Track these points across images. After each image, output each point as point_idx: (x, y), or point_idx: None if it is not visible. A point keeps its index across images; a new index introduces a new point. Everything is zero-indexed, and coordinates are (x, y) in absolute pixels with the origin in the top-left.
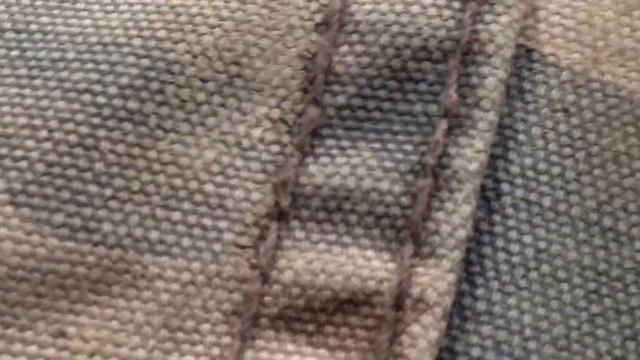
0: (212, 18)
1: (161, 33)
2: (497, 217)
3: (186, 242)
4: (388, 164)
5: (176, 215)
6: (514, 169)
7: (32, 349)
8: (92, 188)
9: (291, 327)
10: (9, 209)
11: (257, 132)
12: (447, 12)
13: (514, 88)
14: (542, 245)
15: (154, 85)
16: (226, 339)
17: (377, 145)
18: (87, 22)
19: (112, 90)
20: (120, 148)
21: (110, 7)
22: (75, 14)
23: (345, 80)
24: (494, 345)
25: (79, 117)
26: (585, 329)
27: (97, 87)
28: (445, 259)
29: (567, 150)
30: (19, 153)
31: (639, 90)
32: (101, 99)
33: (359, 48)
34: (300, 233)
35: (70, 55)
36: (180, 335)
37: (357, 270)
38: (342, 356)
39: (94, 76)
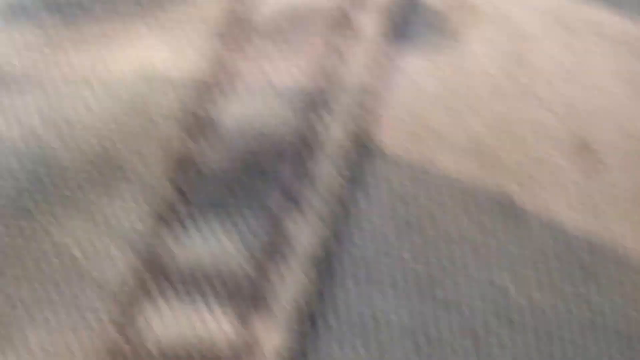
0: (94, 128)
1: (39, 130)
2: (339, 290)
3: (62, 314)
4: (240, 245)
5: (53, 290)
6: (356, 249)
7: None
8: None
9: None
10: None
11: (127, 221)
12: (296, 117)
13: (357, 180)
14: (380, 315)
15: (32, 176)
16: None
17: (232, 229)
18: None
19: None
20: (1, 230)
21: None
22: None
23: (209, 176)
24: None
25: None
26: None
27: None
28: (286, 325)
29: (404, 233)
30: None
31: (465, 178)
32: None
33: (221, 148)
34: (164, 308)
35: None
36: None
37: (210, 336)
38: None
39: None
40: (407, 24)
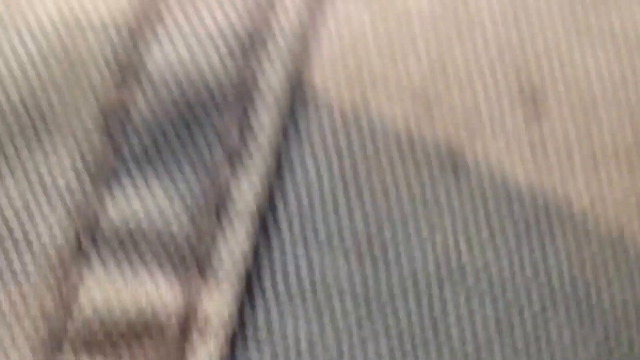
0: (19, 78)
1: None
2: (276, 251)
3: None
4: (177, 203)
5: None
6: (292, 206)
7: None
8: None
9: (90, 351)
10: None
11: (62, 179)
12: (229, 63)
13: (291, 131)
14: (318, 274)
15: None
16: None
17: (169, 185)
18: None
19: None
20: None
21: None
22: None
23: (140, 127)
24: None
25: None
26: (357, 351)
27: None
28: (228, 287)
29: (340, 187)
30: None
31: (401, 124)
32: None
33: (152, 97)
34: (100, 270)
35: None
36: None
37: (149, 300)
38: None
39: None
40: None
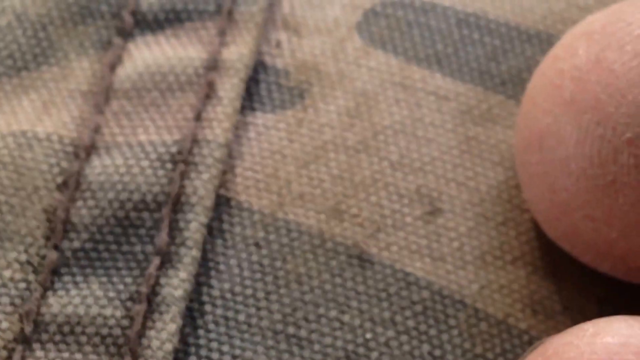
0: None
1: None
2: (201, 332)
3: None
4: (111, 294)
5: None
6: (215, 292)
7: None
8: None
9: None
10: None
11: (7, 272)
12: (160, 172)
13: (215, 229)
14: (238, 352)
15: None
16: None
17: (104, 279)
18: None
19: None
20: None
21: None
22: None
23: (80, 229)
24: None
25: None
26: None
27: None
28: None
29: (258, 275)
30: None
31: (313, 225)
32: None
33: (91, 202)
34: (40, 354)
35: None
36: None
37: None
38: None
39: None
40: (258, 85)
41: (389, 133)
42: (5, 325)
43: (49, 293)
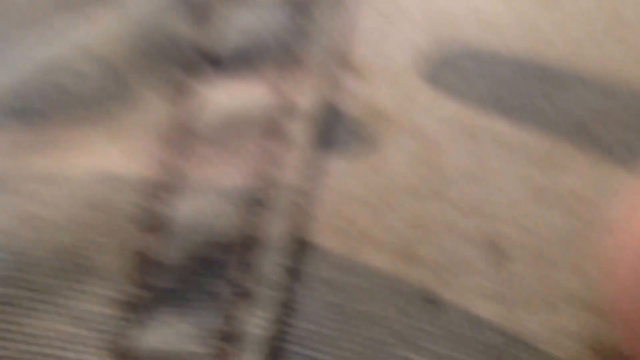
0: (64, 226)
1: (22, 234)
2: None
3: None
4: (197, 332)
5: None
6: (299, 332)
7: None
8: None
9: None
10: None
11: (96, 308)
12: (240, 215)
13: (294, 271)
14: None
15: (15, 274)
16: None
17: (190, 318)
18: None
19: None
20: None
21: None
22: None
23: (167, 268)
24: None
25: None
26: None
27: None
28: None
29: (336, 316)
30: None
31: (387, 269)
32: None
33: (176, 243)
34: None
35: None
36: None
37: None
38: None
39: None
40: (331, 131)
41: (459, 181)
42: (95, 358)
43: (138, 330)
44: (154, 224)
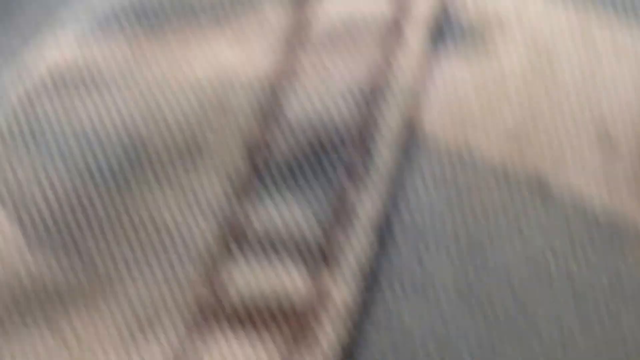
0: (182, 121)
1: (136, 121)
2: (393, 255)
3: (157, 272)
4: (310, 216)
5: (149, 251)
6: (406, 223)
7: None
8: (86, 230)
9: (234, 328)
10: (20, 241)
11: (213, 195)
12: (352, 105)
13: (405, 165)
14: (428, 274)
15: (132, 157)
16: (185, 335)
17: (303, 203)
18: (84, 115)
19: (102, 163)
20: (107, 202)
21: (99, 99)
22: (77, 109)
23: (279, 160)
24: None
25: (77, 182)
26: (461, 339)
27: (90, 160)
28: (352, 281)
29: (447, 210)
30: (32, 204)
31: (495, 157)
32: (94, 168)
33: (290, 138)
34: (245, 267)
35: (70, 141)
36: (149, 330)
37: (285, 288)
38: (270, 344)
39: (88, 154)
40: (445, 35)
41: (575, 79)
42: (213, 240)
43: (252, 214)
44: (268, 120)
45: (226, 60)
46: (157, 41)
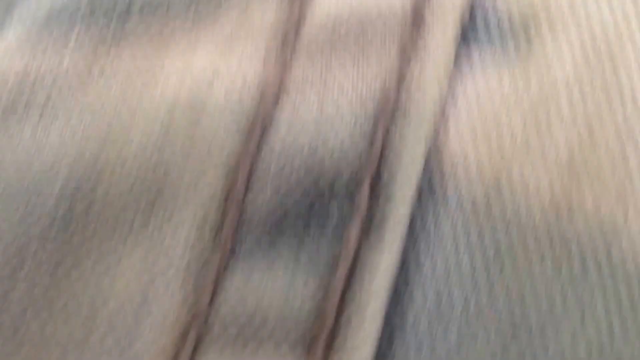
0: (136, 144)
1: (88, 158)
2: (409, 327)
3: (110, 339)
4: (298, 283)
5: (104, 312)
6: (426, 275)
7: None
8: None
9: None
10: None
11: (182, 233)
12: (361, 140)
13: (426, 200)
14: (453, 342)
15: (79, 207)
16: None
17: (289, 264)
18: (23, 154)
19: (42, 214)
20: (45, 268)
21: (44, 136)
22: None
23: (259, 203)
24: None
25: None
26: None
27: (28, 209)
28: (357, 354)
29: (479, 259)
30: None
31: (542, 188)
32: (31, 219)
33: (275, 175)
34: (216, 346)
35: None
36: None
37: None
38: None
39: (25, 202)
40: (476, 28)
41: (634, 72)
42: (178, 297)
43: (219, 280)
44: (250, 154)
45: (201, 73)
46: (117, 48)
